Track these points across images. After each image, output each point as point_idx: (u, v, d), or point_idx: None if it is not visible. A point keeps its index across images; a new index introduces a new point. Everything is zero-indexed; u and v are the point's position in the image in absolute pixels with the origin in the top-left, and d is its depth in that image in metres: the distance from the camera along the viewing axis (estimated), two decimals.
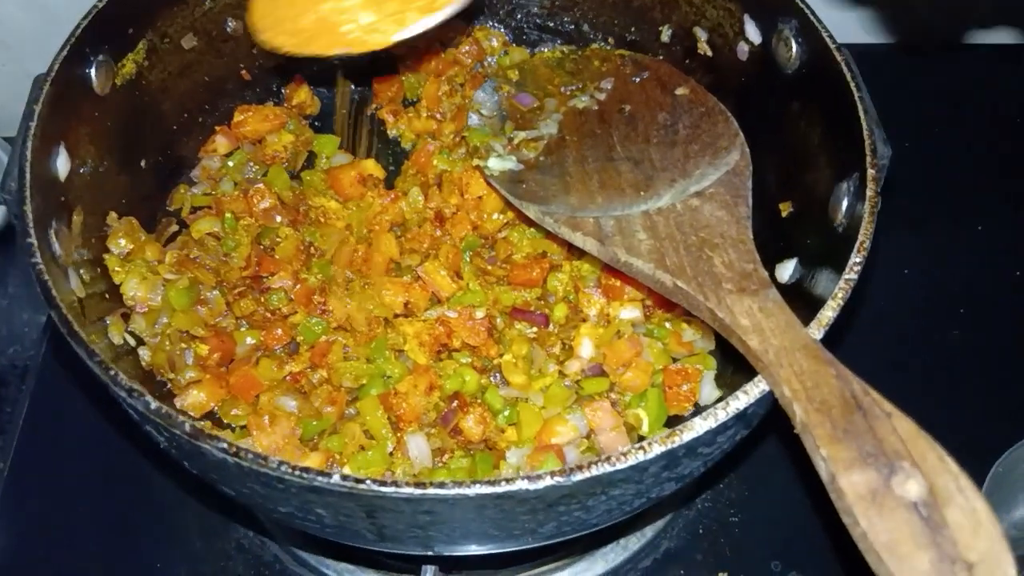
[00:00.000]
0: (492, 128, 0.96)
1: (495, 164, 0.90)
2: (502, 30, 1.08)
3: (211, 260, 0.89)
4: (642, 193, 0.80)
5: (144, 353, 0.82)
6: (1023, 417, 0.89)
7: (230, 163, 0.98)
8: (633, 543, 0.90)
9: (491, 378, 0.85)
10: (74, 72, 0.80)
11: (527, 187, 0.87)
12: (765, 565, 0.88)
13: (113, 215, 0.86)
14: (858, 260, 0.66)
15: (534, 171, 0.89)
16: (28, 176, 0.72)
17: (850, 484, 0.50)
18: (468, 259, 0.91)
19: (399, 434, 0.80)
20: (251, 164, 0.98)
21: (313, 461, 0.76)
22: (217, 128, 0.99)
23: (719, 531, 0.90)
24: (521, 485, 0.56)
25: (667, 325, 0.86)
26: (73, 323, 0.65)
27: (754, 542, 0.90)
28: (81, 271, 0.78)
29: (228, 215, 0.91)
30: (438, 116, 1.02)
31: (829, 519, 0.91)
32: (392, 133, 1.04)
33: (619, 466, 0.56)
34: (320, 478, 0.56)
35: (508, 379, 0.83)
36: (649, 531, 0.90)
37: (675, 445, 0.57)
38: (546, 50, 1.06)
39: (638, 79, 0.96)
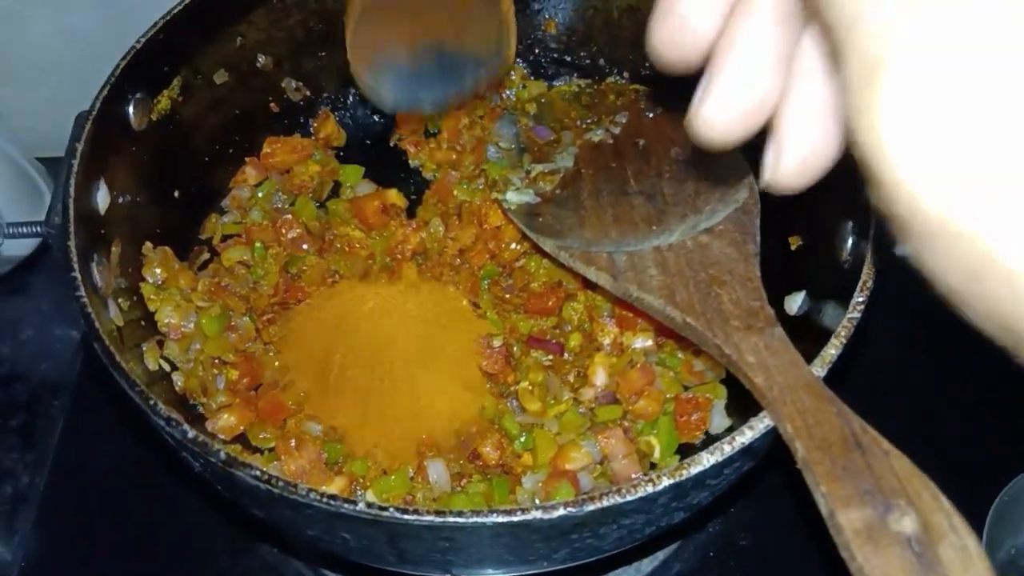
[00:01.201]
0: (510, 160, 1.00)
1: (513, 197, 0.94)
2: (521, 64, 1.11)
3: (241, 287, 0.93)
4: (654, 228, 0.83)
5: (177, 378, 0.86)
6: None
7: (259, 193, 1.02)
8: (646, 565, 0.92)
9: (508, 404, 0.88)
10: (113, 110, 0.85)
11: (543, 220, 0.90)
12: None
13: (148, 245, 0.90)
14: (861, 299, 0.68)
15: (550, 204, 0.92)
16: (71, 212, 0.76)
17: (847, 520, 0.52)
18: (486, 287, 0.94)
19: (420, 459, 0.83)
20: (279, 193, 1.02)
21: (338, 484, 0.80)
22: (247, 159, 1.03)
23: (729, 554, 0.93)
24: (535, 515, 0.59)
25: (679, 355, 0.88)
26: (115, 354, 0.69)
27: (763, 565, 0.92)
28: (119, 300, 0.82)
29: (258, 244, 0.95)
30: (458, 147, 1.05)
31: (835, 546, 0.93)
32: (414, 163, 1.08)
33: (629, 497, 0.59)
34: (346, 506, 0.60)
35: (524, 406, 0.86)
36: (661, 554, 0.92)
37: (683, 478, 0.60)
38: (563, 84, 1.10)
39: (652, 114, 0.99)
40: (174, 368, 0.87)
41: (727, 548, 0.94)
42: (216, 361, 0.88)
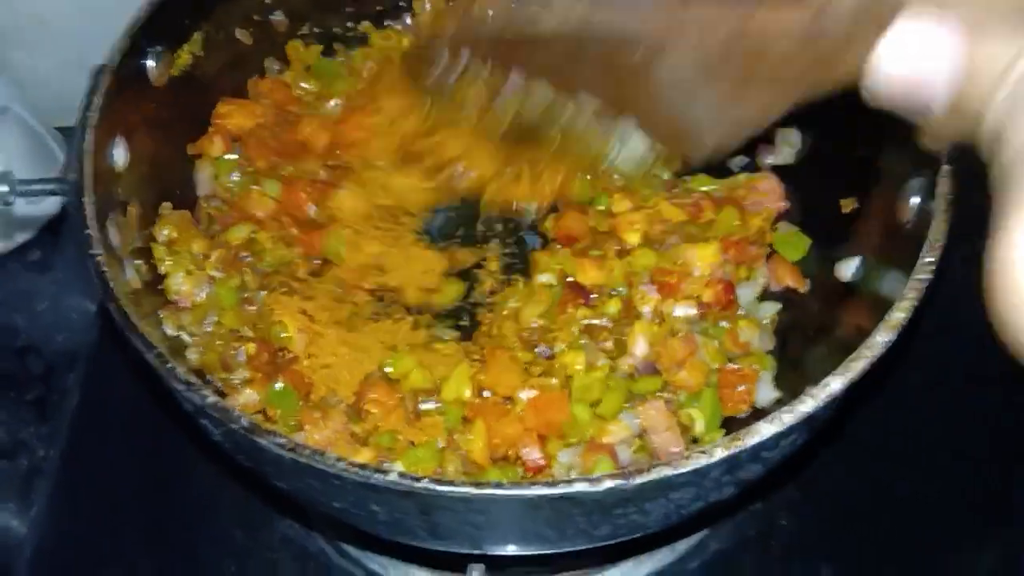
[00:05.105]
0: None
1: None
2: None
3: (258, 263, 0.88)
4: None
5: (192, 353, 0.81)
6: None
7: None
8: (681, 545, 0.88)
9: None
10: (132, 62, 0.81)
11: None
12: (815, 570, 0.86)
13: (167, 206, 0.86)
14: (930, 259, 0.63)
15: None
16: (88, 167, 0.72)
17: None
18: None
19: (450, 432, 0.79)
20: None
21: (364, 456, 0.75)
22: None
23: (768, 534, 0.89)
24: (580, 487, 0.55)
25: (723, 324, 0.83)
26: (131, 315, 0.65)
27: (803, 546, 0.88)
28: (137, 262, 0.79)
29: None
30: None
31: (880, 525, 0.89)
32: None
33: (681, 470, 0.55)
34: (377, 475, 0.56)
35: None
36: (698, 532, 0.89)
37: (739, 449, 0.56)
38: None
39: None
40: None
41: (766, 528, 0.89)
42: (234, 334, 0.83)
